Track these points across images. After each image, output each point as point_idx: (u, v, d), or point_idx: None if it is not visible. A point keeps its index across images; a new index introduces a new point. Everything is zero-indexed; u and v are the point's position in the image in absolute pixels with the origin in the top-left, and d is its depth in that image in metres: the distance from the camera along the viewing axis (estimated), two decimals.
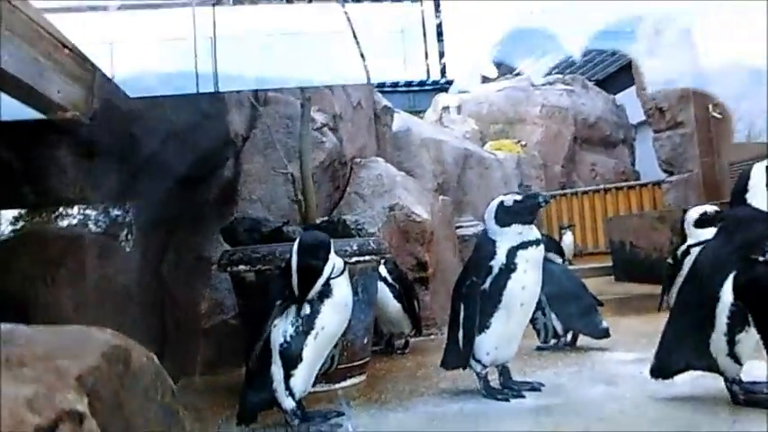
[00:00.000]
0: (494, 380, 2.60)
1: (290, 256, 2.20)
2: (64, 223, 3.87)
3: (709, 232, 3.77)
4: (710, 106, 8.25)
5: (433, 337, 4.06)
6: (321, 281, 2.18)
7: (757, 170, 2.16)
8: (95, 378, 0.67)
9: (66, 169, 3.72)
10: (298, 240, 2.24)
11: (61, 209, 4.08)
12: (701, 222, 3.88)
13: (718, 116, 8.15)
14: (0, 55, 2.99)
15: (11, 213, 4.45)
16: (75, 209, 3.75)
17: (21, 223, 4.53)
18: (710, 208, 4.00)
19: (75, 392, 0.61)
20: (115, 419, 0.69)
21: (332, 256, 2.25)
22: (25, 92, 3.35)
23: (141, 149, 3.68)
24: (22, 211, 4.41)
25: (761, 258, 2.01)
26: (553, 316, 3.33)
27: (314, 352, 2.21)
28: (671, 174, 8.72)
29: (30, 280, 4.00)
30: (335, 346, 2.41)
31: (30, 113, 3.61)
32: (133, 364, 0.77)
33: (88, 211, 3.75)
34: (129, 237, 3.87)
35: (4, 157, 3.77)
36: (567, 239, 9.52)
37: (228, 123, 3.75)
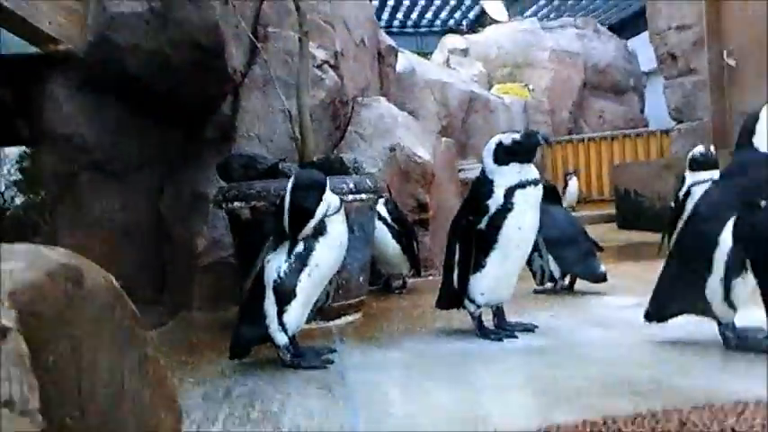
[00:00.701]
0: (488, 320, 2.60)
1: (284, 197, 2.17)
2: (61, 160, 3.82)
3: (708, 174, 3.72)
4: (725, 53, 8.03)
5: (431, 278, 4.05)
6: (314, 221, 2.15)
7: (765, 113, 2.09)
8: (34, 294, 0.64)
9: (62, 104, 3.66)
10: (292, 179, 2.21)
11: (59, 146, 4.03)
12: (700, 163, 3.83)
13: (732, 63, 7.94)
14: None
15: (13, 151, 4.41)
16: (72, 145, 3.70)
17: (24, 162, 4.50)
18: (710, 149, 3.92)
19: (2, 306, 0.58)
20: (58, 339, 0.66)
21: (327, 194, 2.22)
22: (18, 24, 3.27)
23: (136, 85, 3.61)
24: (24, 149, 4.37)
25: (763, 203, 1.97)
26: (550, 258, 3.30)
27: (307, 288, 2.20)
28: (680, 122, 8.57)
29: (28, 217, 4.00)
30: (330, 283, 2.40)
31: (23, 47, 3.54)
32: (86, 284, 0.74)
33: (84, 148, 3.70)
34: (127, 174, 3.83)
35: None
36: (572, 185, 9.47)
37: (227, 59, 3.65)
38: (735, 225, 2.00)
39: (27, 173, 4.43)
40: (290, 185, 2.18)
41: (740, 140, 2.16)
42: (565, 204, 9.38)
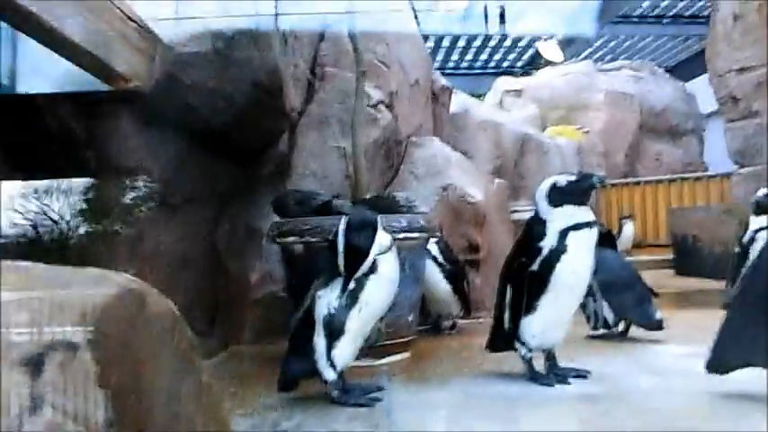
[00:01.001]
0: (540, 365, 2.54)
1: (337, 233, 2.20)
2: (124, 193, 3.97)
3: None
4: None
5: (481, 320, 3.99)
6: (368, 262, 2.17)
7: None
8: (102, 315, 0.67)
9: (128, 138, 3.82)
10: (345, 220, 2.23)
11: (123, 178, 4.19)
12: (764, 207, 3.69)
13: None
14: (67, 25, 3.08)
15: (80, 182, 4.60)
16: (134, 177, 3.85)
17: (89, 193, 4.68)
18: None
19: (73, 325, 0.61)
20: (122, 358, 0.69)
21: (379, 232, 2.23)
22: (90, 62, 3.45)
23: (199, 121, 3.74)
24: (90, 180, 4.56)
25: None
26: (605, 304, 3.22)
27: (357, 326, 2.21)
28: (742, 165, 8.32)
29: (89, 246, 4.14)
30: (381, 321, 2.40)
31: (94, 84, 3.73)
32: (149, 308, 0.78)
33: (147, 181, 3.84)
34: (185, 207, 3.94)
35: (70, 126, 3.90)
36: (628, 229, 9.25)
37: (285, 97, 3.76)
38: None
39: (91, 203, 4.61)
40: (342, 226, 2.20)
41: None
42: (620, 248, 9.17)
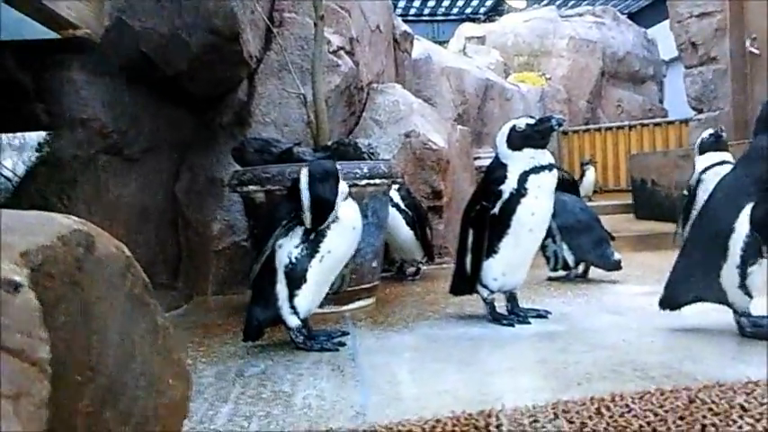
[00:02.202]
0: (501, 306, 2.60)
1: (298, 182, 2.18)
2: (79, 146, 3.86)
3: (717, 156, 3.65)
4: (748, 41, 7.91)
5: (445, 265, 4.05)
6: (334, 214, 2.16)
7: None
8: (46, 255, 0.66)
9: (79, 89, 3.69)
10: (306, 171, 2.20)
11: (77, 131, 4.07)
12: (708, 146, 3.75)
13: (756, 51, 7.82)
14: None
15: (32, 137, 4.45)
16: (90, 130, 3.73)
17: (43, 148, 4.54)
18: (717, 131, 3.83)
19: (15, 264, 0.60)
20: (69, 300, 0.68)
21: (340, 182, 2.22)
22: (36, 9, 3.30)
23: (153, 69, 3.63)
24: (43, 134, 4.41)
25: None
26: (564, 246, 3.29)
27: (319, 274, 2.22)
28: (700, 111, 8.46)
29: (46, 201, 4.04)
30: (346, 267, 2.41)
31: (41, 32, 3.57)
32: (98, 250, 0.76)
33: (102, 133, 3.73)
34: (143, 158, 3.86)
35: (18, 78, 3.74)
36: (590, 175, 9.40)
37: (242, 44, 3.66)
38: (752, 210, 1.98)
39: (45, 158, 4.47)
40: (304, 178, 2.17)
41: (757, 128, 2.13)
42: (582, 194, 9.35)
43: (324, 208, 2.14)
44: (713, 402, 1.42)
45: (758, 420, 1.33)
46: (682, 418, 1.34)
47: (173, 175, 3.86)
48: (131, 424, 0.76)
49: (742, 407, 1.39)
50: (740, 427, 1.30)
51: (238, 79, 3.80)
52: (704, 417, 1.35)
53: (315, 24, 3.30)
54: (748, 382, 1.56)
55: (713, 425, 1.31)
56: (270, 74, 3.85)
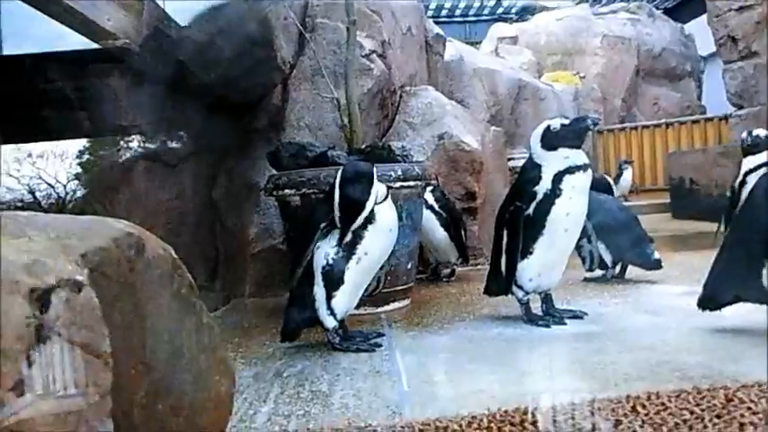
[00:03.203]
0: (537, 308, 2.59)
1: (333, 187, 2.21)
2: (120, 151, 3.98)
3: (762, 157, 3.57)
4: None
5: (480, 267, 4.06)
6: (364, 214, 2.18)
7: None
8: (102, 257, 0.70)
9: (119, 98, 3.80)
10: (339, 173, 2.23)
11: (118, 138, 4.19)
12: (752, 147, 3.68)
13: None
14: None
15: (74, 144, 4.59)
16: (129, 137, 3.84)
17: (84, 155, 4.68)
18: (762, 131, 3.74)
19: (76, 265, 0.64)
20: (123, 299, 0.72)
21: (375, 183, 2.24)
22: (77, 20, 3.40)
23: (190, 77, 3.71)
24: (84, 142, 4.55)
25: None
26: (602, 246, 3.27)
27: (356, 276, 2.24)
28: (740, 107, 8.27)
29: (89, 206, 4.16)
30: (381, 269, 2.44)
31: (83, 43, 3.69)
32: (147, 252, 0.80)
33: (142, 139, 3.84)
34: (182, 164, 3.95)
35: (60, 88, 3.87)
36: (627, 174, 9.28)
37: (276, 50, 3.73)
38: None
39: (86, 165, 4.61)
40: (338, 179, 2.20)
41: None
42: (618, 193, 9.24)
43: (353, 208, 2.16)
44: (752, 401, 1.40)
45: None
46: (719, 417, 1.33)
47: (210, 179, 3.94)
48: (182, 416, 0.80)
49: None
50: None
51: (273, 84, 3.87)
52: (742, 416, 1.34)
53: (347, 29, 3.34)
54: None
55: (752, 423, 1.30)
56: (303, 79, 3.90)
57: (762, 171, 3.37)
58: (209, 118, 3.91)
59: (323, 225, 2.23)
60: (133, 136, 3.85)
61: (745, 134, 3.80)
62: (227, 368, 0.98)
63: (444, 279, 3.80)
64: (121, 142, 3.94)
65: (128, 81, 3.80)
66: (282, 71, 3.84)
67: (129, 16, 3.70)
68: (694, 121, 10.25)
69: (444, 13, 16.48)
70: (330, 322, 2.25)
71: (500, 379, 1.85)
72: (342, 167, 2.30)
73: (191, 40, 3.61)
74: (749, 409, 1.37)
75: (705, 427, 1.30)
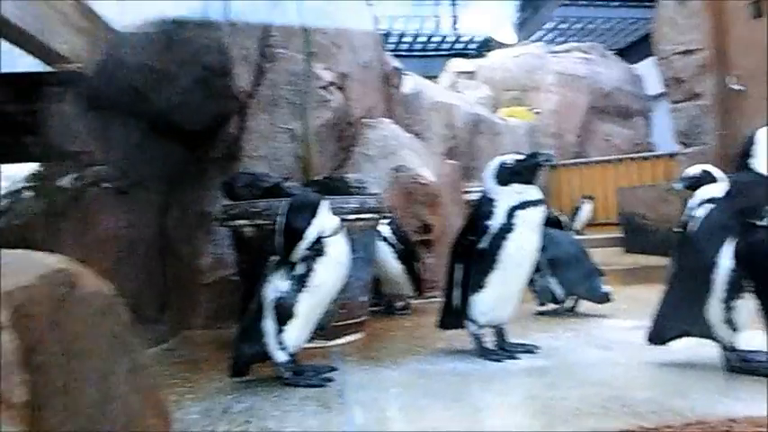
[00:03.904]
0: (490, 341, 2.59)
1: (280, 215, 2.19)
2: (68, 177, 3.87)
3: (706, 191, 3.63)
4: (730, 78, 8.08)
5: (434, 300, 4.03)
6: (304, 243, 2.16)
7: (761, 135, 2.11)
8: (27, 296, 0.66)
9: (71, 122, 3.71)
10: (287, 203, 2.22)
11: (67, 162, 4.08)
12: (696, 183, 3.73)
13: (738, 88, 7.98)
14: (3, 4, 2.96)
15: (23, 168, 4.45)
16: (80, 162, 3.75)
17: (33, 179, 4.54)
18: (701, 168, 3.78)
19: None
20: (50, 339, 0.68)
21: (323, 216, 2.22)
22: (29, 42, 3.34)
23: (145, 103, 3.65)
24: (35, 166, 4.42)
25: (761, 223, 1.97)
26: (554, 280, 3.31)
27: (307, 308, 2.21)
28: (686, 146, 8.57)
29: (33, 233, 4.03)
30: (333, 302, 2.41)
31: (35, 65, 3.61)
32: (80, 289, 0.76)
33: (92, 165, 3.74)
34: (133, 191, 3.86)
35: (10, 110, 3.77)
36: (586, 209, 9.54)
37: (233, 79, 3.71)
38: (735, 246, 2.00)
39: (35, 189, 4.46)
40: (284, 208, 2.20)
41: (737, 162, 2.17)
42: (577, 227, 9.45)
43: (293, 236, 2.14)
44: None
45: None
46: None
47: (163, 208, 3.86)
48: None
49: None
50: None
51: (229, 114, 3.84)
52: None
53: (305, 60, 3.35)
54: (729, 419, 1.56)
55: None
56: (261, 109, 3.89)
57: (706, 207, 3.45)
58: (164, 146, 3.85)
59: (272, 257, 2.20)
60: (83, 161, 3.75)
61: (690, 170, 3.88)
62: (162, 410, 0.94)
63: (399, 312, 3.78)
64: (71, 168, 3.83)
65: (79, 106, 3.73)
66: (239, 100, 3.81)
67: (83, 39, 3.65)
68: (644, 158, 10.56)
69: (404, 47, 16.74)
70: (281, 356, 2.20)
71: (453, 416, 1.83)
72: (291, 198, 2.28)
73: (146, 67, 3.56)
74: None
75: None
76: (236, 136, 3.84)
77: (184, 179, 3.87)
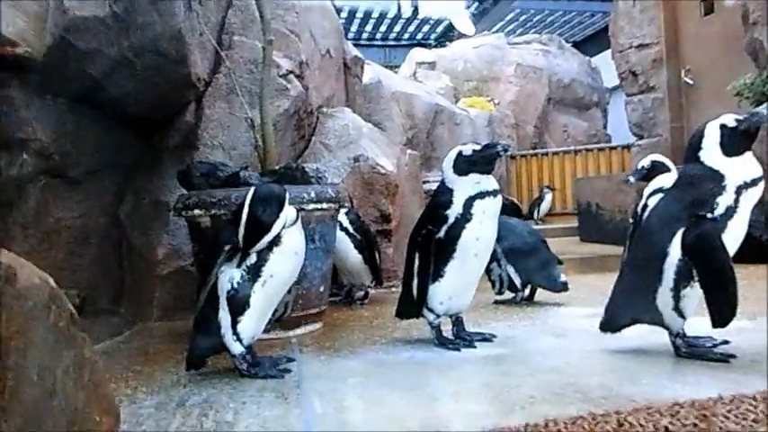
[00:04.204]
0: (448, 330, 2.62)
1: (241, 207, 2.16)
2: (16, 166, 3.74)
3: (657, 182, 3.71)
4: (683, 72, 8.29)
5: (393, 289, 4.06)
6: (269, 237, 2.14)
7: (711, 128, 2.16)
8: None
9: (19, 108, 3.59)
10: (250, 193, 2.19)
11: (16, 151, 3.94)
12: (649, 173, 3.80)
13: (690, 82, 8.19)
14: None
15: None
16: (29, 150, 3.63)
17: None
18: (654, 158, 3.86)
19: None
20: None
21: (286, 207, 2.20)
22: None
23: (97, 90, 3.56)
24: None
25: (709, 215, 2.03)
26: (511, 269, 3.35)
27: (263, 299, 2.19)
28: (641, 137, 8.78)
29: None
30: (289, 293, 2.40)
31: None
32: (19, 282, 0.74)
33: (42, 153, 3.63)
34: (86, 180, 3.76)
35: None
36: (548, 199, 9.70)
37: (190, 66, 3.63)
38: (683, 236, 2.05)
39: None
40: (248, 198, 2.16)
41: (687, 154, 2.22)
42: (539, 216, 9.61)
43: (258, 229, 2.12)
44: (641, 425, 1.46)
45: None
46: None
47: (117, 197, 3.77)
48: None
49: (667, 429, 1.44)
50: None
51: (186, 102, 3.76)
52: None
53: (264, 48, 3.31)
54: (674, 404, 1.61)
55: None
56: (218, 97, 3.82)
57: (656, 197, 3.52)
58: (118, 134, 3.76)
59: (227, 247, 2.17)
60: (33, 150, 3.63)
61: (643, 162, 3.95)
62: (109, 405, 0.92)
63: (358, 302, 3.78)
64: (20, 156, 3.71)
65: (28, 92, 3.60)
66: (196, 89, 3.74)
67: (31, 23, 3.52)
68: (600, 149, 10.77)
69: (365, 36, 16.68)
70: (237, 348, 2.18)
71: (410, 404, 1.84)
72: (254, 187, 2.25)
73: (99, 53, 3.46)
74: None
75: None
76: (193, 124, 3.78)
77: (140, 168, 3.79)
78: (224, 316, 2.15)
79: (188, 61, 3.62)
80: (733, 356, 2.11)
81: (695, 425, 1.46)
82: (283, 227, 2.17)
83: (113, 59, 3.46)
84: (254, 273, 2.14)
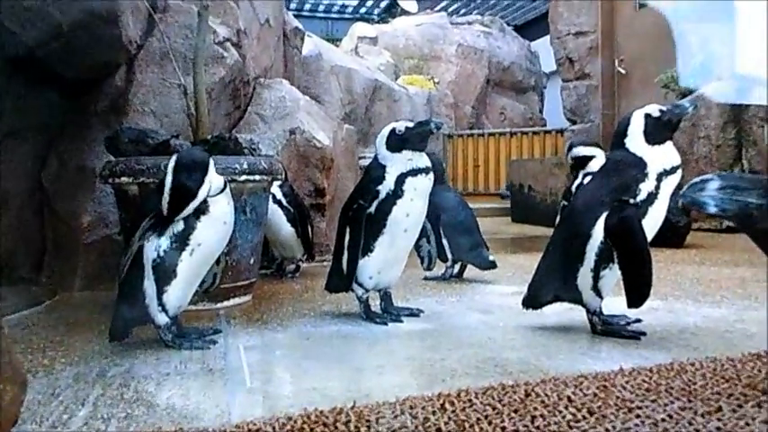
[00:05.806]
0: (376, 305, 2.65)
1: (165, 174, 2.11)
2: None
3: (587, 167, 3.82)
4: (617, 61, 8.55)
5: (325, 263, 4.05)
6: (194, 203, 2.10)
7: (636, 116, 2.25)
8: None
9: None
10: (173, 160, 2.14)
11: None
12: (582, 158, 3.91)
13: (623, 71, 8.46)
14: None
15: None
16: None
17: None
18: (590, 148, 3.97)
19: None
20: None
21: (210, 174, 2.16)
22: None
23: (19, 47, 3.38)
24: None
25: (631, 200, 2.12)
26: (446, 242, 3.43)
27: (189, 269, 2.16)
28: (574, 122, 9.04)
29: None
30: (218, 263, 2.37)
31: None
32: None
33: None
34: (5, 142, 3.59)
35: None
36: None
37: (121, 27, 3.49)
38: (605, 220, 2.14)
39: None
40: (171, 165, 2.12)
41: (614, 141, 2.31)
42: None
43: (183, 196, 2.08)
44: (546, 395, 1.54)
45: (579, 410, 1.45)
46: (516, 411, 1.44)
47: (39, 161, 3.61)
48: None
49: (569, 398, 1.52)
50: (564, 417, 1.41)
51: (116, 64, 3.62)
52: (535, 409, 1.45)
53: (199, 13, 3.21)
54: (579, 376, 1.70)
55: (542, 416, 1.41)
56: (151, 61, 3.70)
57: (584, 181, 3.63)
58: (42, 94, 3.59)
59: (152, 215, 2.12)
60: None
61: (579, 148, 4.00)
62: (15, 373, 0.89)
63: (289, 275, 3.78)
64: None
65: None
66: (128, 51, 3.61)
67: None
68: (535, 133, 11.01)
69: (307, 7, 16.41)
70: (161, 319, 2.15)
71: (334, 376, 1.87)
72: (176, 154, 2.20)
73: (20, 5, 3.28)
74: (542, 402, 1.50)
75: (503, 421, 1.40)
76: (123, 88, 3.64)
77: (65, 131, 3.64)
78: (149, 285, 2.11)
79: (119, 22, 3.49)
80: (643, 334, 2.23)
81: (595, 395, 1.54)
82: (208, 193, 2.13)
83: (38, 16, 3.29)
84: (182, 241, 2.10)
